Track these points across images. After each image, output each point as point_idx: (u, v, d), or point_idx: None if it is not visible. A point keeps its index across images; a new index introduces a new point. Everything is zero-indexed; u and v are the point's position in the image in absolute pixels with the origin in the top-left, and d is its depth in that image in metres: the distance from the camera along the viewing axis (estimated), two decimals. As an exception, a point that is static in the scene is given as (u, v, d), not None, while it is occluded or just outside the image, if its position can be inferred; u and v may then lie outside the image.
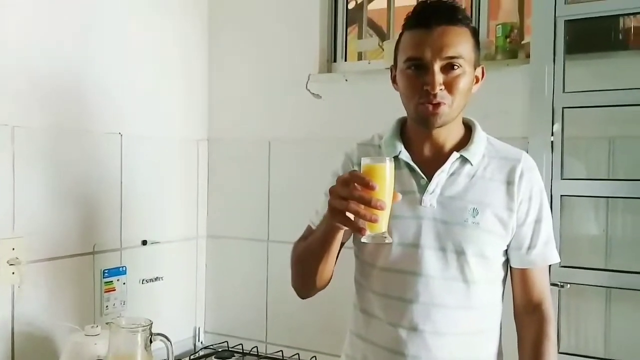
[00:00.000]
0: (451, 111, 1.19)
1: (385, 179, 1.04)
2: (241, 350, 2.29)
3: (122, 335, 1.49)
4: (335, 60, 2.35)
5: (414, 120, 1.24)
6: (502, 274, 1.28)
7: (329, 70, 2.33)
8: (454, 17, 1.18)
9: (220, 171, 2.46)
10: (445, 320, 1.22)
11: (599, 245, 1.82)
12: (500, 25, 1.98)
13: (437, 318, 1.21)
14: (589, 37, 1.82)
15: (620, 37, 1.83)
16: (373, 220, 1.01)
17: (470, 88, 1.21)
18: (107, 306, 2.01)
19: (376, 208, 1.00)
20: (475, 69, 1.22)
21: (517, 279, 1.29)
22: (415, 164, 1.24)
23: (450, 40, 1.16)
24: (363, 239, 1.05)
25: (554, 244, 1.29)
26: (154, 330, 1.54)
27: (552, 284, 1.73)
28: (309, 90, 2.29)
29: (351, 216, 1.03)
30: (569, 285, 1.74)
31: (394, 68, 1.27)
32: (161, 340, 1.53)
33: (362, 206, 1.01)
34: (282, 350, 2.25)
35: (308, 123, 2.29)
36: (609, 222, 1.81)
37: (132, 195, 2.11)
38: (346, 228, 1.08)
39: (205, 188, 2.47)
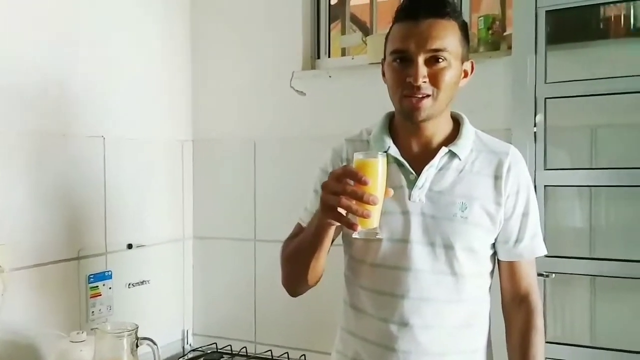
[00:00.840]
0: (435, 104, 1.18)
1: (377, 174, 1.03)
2: (230, 352, 2.28)
3: (108, 340, 1.47)
4: (318, 57, 2.34)
5: (400, 114, 1.24)
6: (490, 266, 1.29)
7: (313, 67, 2.32)
8: (442, 10, 1.17)
9: (206, 172, 2.44)
10: (434, 314, 1.22)
11: (583, 234, 1.83)
12: (482, 17, 1.98)
13: (427, 312, 1.21)
14: (569, 27, 1.83)
15: (601, 26, 1.84)
16: (365, 216, 1.01)
17: (457, 82, 1.20)
18: (93, 312, 1.99)
19: (368, 203, 1.00)
20: (462, 63, 1.21)
21: (504, 271, 1.30)
22: (404, 158, 1.24)
23: (436, 33, 1.15)
24: (355, 235, 1.05)
25: (541, 237, 1.30)
26: (140, 334, 1.52)
27: (538, 274, 1.73)
28: (293, 88, 2.28)
29: (343, 212, 1.02)
30: (554, 274, 1.75)
31: (383, 61, 1.26)
32: (148, 344, 1.50)
33: (354, 201, 1.00)
34: (271, 350, 2.24)
35: (293, 121, 2.28)
36: (592, 211, 1.82)
37: (116, 198, 2.09)
38: (338, 224, 1.07)
39: (190, 189, 2.45)
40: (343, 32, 2.47)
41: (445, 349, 1.23)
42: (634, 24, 1.78)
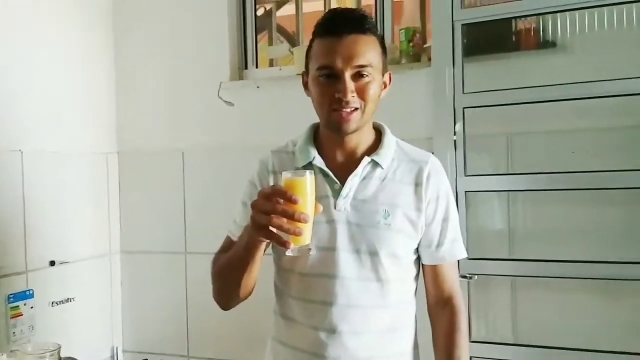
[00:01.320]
0: (363, 117, 1.22)
1: (306, 192, 1.05)
2: (162, 367, 2.24)
3: (29, 361, 1.42)
4: (246, 67, 2.35)
5: (327, 127, 1.26)
6: (414, 271, 1.33)
7: (241, 78, 2.33)
8: (363, 26, 1.21)
9: (133, 184, 2.39)
10: (362, 319, 1.24)
11: (503, 237, 1.92)
12: (403, 30, 2.05)
13: (354, 318, 1.24)
14: (485, 40, 1.92)
15: (513, 39, 1.94)
16: (297, 234, 1.02)
17: (379, 94, 1.25)
18: (14, 332, 1.90)
19: (299, 221, 1.02)
20: (383, 75, 1.26)
21: (428, 275, 1.34)
22: (329, 169, 1.27)
23: (360, 49, 1.19)
24: (288, 253, 1.06)
25: (461, 241, 1.35)
26: (67, 354, 1.49)
27: (461, 276, 1.81)
28: (221, 98, 2.27)
29: (275, 230, 1.03)
30: (476, 276, 1.82)
31: (305, 74, 1.28)
32: (72, 363, 1.46)
33: (285, 220, 1.02)
34: (204, 363, 2.22)
35: (221, 131, 2.27)
36: (510, 215, 1.91)
37: (36, 214, 2.01)
38: (270, 241, 1.08)
39: (117, 202, 2.39)
40: (270, 43, 2.49)
41: (373, 353, 1.26)
42: (543, 37, 1.89)
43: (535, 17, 1.86)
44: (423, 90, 1.93)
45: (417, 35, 2.04)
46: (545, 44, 1.89)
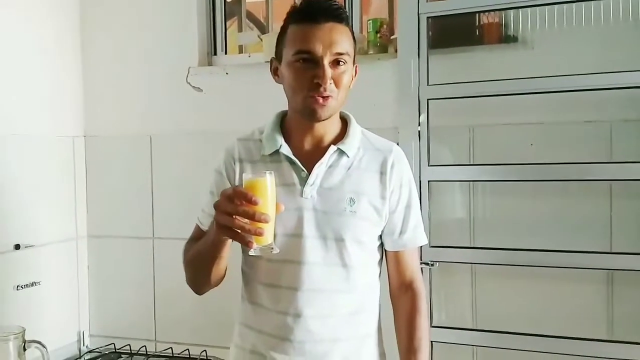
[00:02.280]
0: (336, 104, 1.24)
1: (267, 192, 1.08)
2: (129, 351, 2.25)
3: (-8, 345, 1.42)
4: (215, 54, 2.35)
5: (300, 113, 1.27)
6: (377, 257, 1.37)
7: (210, 64, 2.32)
8: (339, 15, 1.24)
9: (100, 168, 2.38)
10: (327, 304, 1.28)
11: (464, 225, 1.97)
12: (370, 21, 2.07)
13: (319, 303, 1.27)
14: (449, 33, 1.96)
15: (477, 32, 1.98)
16: (258, 234, 1.06)
17: (350, 84, 1.28)
18: (-23, 316, 1.90)
19: (260, 222, 1.06)
20: (353, 66, 1.29)
21: (391, 261, 1.38)
22: (296, 157, 1.29)
23: (338, 37, 1.22)
24: (251, 252, 1.10)
25: (422, 228, 1.40)
26: (30, 337, 1.48)
27: (423, 263, 1.86)
28: (189, 84, 2.27)
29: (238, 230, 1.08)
30: (437, 263, 1.87)
31: (275, 60, 1.30)
32: (36, 347, 1.47)
33: (247, 220, 1.06)
34: (171, 347, 2.23)
35: (189, 117, 2.27)
36: (472, 204, 1.96)
37: (1, 197, 2.00)
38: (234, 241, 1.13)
39: (83, 187, 2.38)
40: (240, 30, 2.49)
41: (337, 335, 1.30)
42: (505, 32, 1.94)
43: (499, 11, 1.91)
44: (389, 81, 1.96)
45: (385, 26, 2.06)
46: (508, 39, 1.93)
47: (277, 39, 1.28)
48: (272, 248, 1.11)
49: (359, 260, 1.30)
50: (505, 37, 1.93)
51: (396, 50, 1.95)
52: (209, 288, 1.34)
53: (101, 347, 2.33)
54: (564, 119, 1.85)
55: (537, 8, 1.84)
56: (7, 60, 2.05)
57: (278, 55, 1.28)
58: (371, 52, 2.06)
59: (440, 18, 1.85)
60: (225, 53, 2.36)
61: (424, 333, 1.36)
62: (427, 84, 1.85)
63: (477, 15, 1.93)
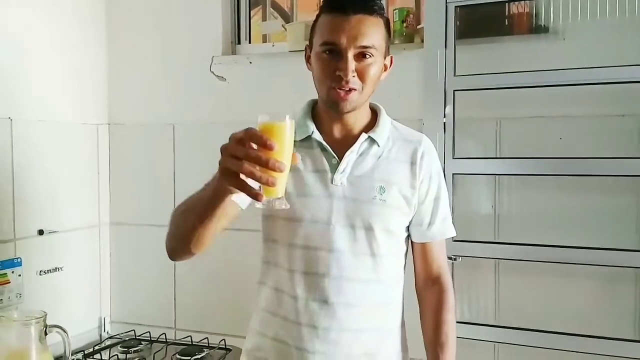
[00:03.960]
0: (361, 97, 1.23)
1: (284, 138, 0.95)
2: (149, 338, 2.26)
3: (15, 328, 1.43)
4: (239, 43, 2.34)
5: (325, 104, 1.27)
6: (404, 248, 1.36)
7: (233, 53, 2.31)
8: (371, 7, 1.22)
9: (123, 156, 2.39)
10: (354, 292, 1.27)
11: (489, 220, 1.93)
12: (397, 10, 2.04)
13: (347, 291, 1.26)
14: (478, 23, 1.91)
15: (506, 22, 1.94)
16: (270, 184, 0.92)
17: (379, 76, 1.26)
18: (1, 300, 1.92)
19: (274, 170, 0.91)
20: (385, 58, 1.27)
21: (418, 252, 1.38)
22: (327, 144, 1.28)
23: (365, 30, 1.20)
24: (258, 205, 0.97)
25: (451, 220, 1.40)
26: (53, 322, 1.49)
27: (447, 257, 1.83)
28: (213, 73, 2.26)
29: (245, 179, 0.94)
30: (461, 258, 1.84)
31: (308, 48, 1.29)
32: (57, 332, 1.48)
33: (258, 167, 0.92)
34: (190, 336, 2.23)
35: (213, 106, 2.26)
36: (497, 198, 1.93)
37: (26, 183, 2.02)
38: (238, 192, 0.99)
39: (107, 174, 2.39)
40: (264, 19, 2.47)
41: (363, 325, 1.28)
42: (536, 22, 1.89)
43: (528, 1, 1.86)
44: (415, 72, 1.93)
45: (411, 16, 2.03)
46: (538, 29, 1.88)
47: (312, 27, 1.28)
48: (282, 202, 0.97)
49: (387, 250, 1.29)
50: (535, 28, 1.88)
51: (422, 40, 1.92)
52: (185, 253, 1.21)
53: (121, 333, 2.34)
54: (595, 112, 1.80)
55: (570, -2, 1.79)
56: (34, 48, 2.06)
57: (310, 44, 1.28)
58: (397, 42, 2.03)
59: (469, 7, 1.81)
60: (249, 42, 2.35)
61: (451, 327, 1.36)
62: (454, 75, 1.82)
63: (506, 4, 1.89)
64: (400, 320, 1.37)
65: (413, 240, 1.36)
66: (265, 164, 0.91)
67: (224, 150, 0.96)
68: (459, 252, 1.84)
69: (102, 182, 2.37)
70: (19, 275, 1.98)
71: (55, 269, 2.14)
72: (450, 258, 1.83)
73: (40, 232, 2.07)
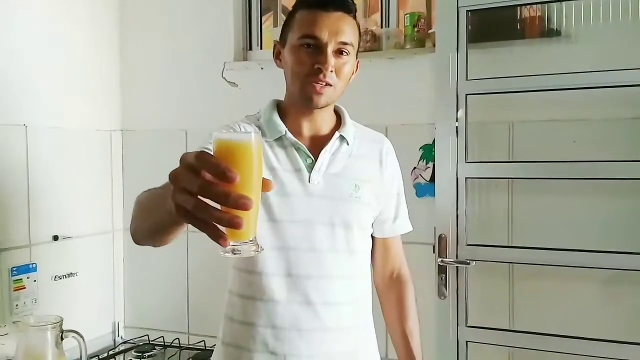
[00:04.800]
0: (334, 94, 1.23)
1: (251, 163, 0.70)
2: (162, 343, 2.27)
3: (31, 333, 1.44)
4: (250, 49, 2.35)
5: (298, 98, 1.24)
6: (371, 244, 1.38)
7: (245, 59, 2.33)
8: (349, 7, 1.23)
9: (136, 162, 2.41)
10: (333, 290, 1.25)
11: (502, 223, 1.93)
12: (408, 15, 2.04)
13: (327, 290, 1.25)
14: (489, 27, 1.91)
15: (518, 26, 1.93)
16: (235, 226, 0.67)
17: (350, 76, 1.27)
18: (17, 305, 1.93)
19: (238, 208, 0.66)
20: (356, 60, 1.28)
21: (381, 248, 1.40)
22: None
23: (345, 27, 1.20)
24: (221, 253, 0.72)
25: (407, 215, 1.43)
26: (68, 327, 1.50)
27: (460, 262, 1.83)
28: (225, 79, 2.28)
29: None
30: (474, 262, 1.83)
31: (278, 44, 1.28)
32: (73, 337, 1.48)
33: (219, 206, 0.68)
34: (204, 341, 2.24)
35: (225, 112, 2.26)
36: (510, 202, 1.92)
37: (40, 189, 2.03)
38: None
39: (120, 180, 2.41)
40: (275, 25, 2.48)
41: (342, 324, 1.27)
42: (547, 25, 1.88)
43: (540, 5, 1.85)
44: (426, 76, 1.93)
45: (422, 20, 2.03)
46: (550, 33, 1.88)
47: (284, 23, 1.27)
48: (253, 246, 0.73)
49: (361, 246, 1.31)
50: (547, 31, 1.88)
51: (434, 45, 1.92)
52: (148, 244, 1.10)
53: (135, 338, 2.36)
54: (609, 115, 1.79)
55: (581, 1, 1.79)
56: (48, 55, 2.09)
57: (282, 39, 1.27)
58: (408, 46, 2.03)
59: (480, 11, 1.81)
60: (261, 48, 2.36)
61: (416, 316, 1.41)
62: (466, 79, 1.81)
63: (518, 8, 1.88)
64: (370, 315, 1.36)
65: (375, 236, 1.38)
66: (226, 202, 0.66)
67: (173, 180, 0.69)
68: (472, 256, 1.84)
69: (115, 188, 2.39)
70: (34, 281, 2.00)
71: (69, 275, 2.16)
72: (463, 262, 1.83)
73: (55, 238, 2.09)
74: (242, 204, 0.66)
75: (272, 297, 1.23)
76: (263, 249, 0.77)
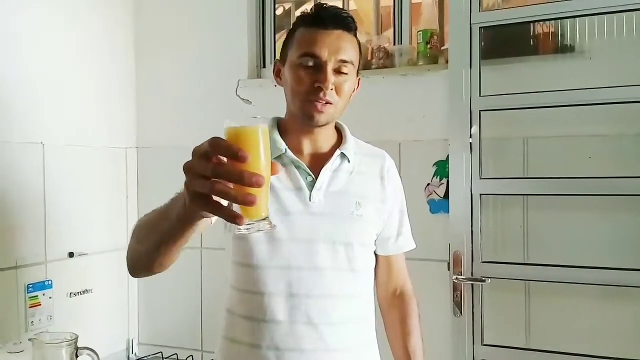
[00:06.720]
0: (335, 112, 1.23)
1: (258, 145, 0.78)
2: (176, 360, 2.27)
3: (47, 350, 1.46)
4: (264, 66, 2.37)
5: (298, 116, 1.24)
6: (374, 262, 1.36)
7: (259, 76, 2.35)
8: (349, 25, 1.24)
9: (151, 180, 2.43)
10: (336, 310, 1.24)
11: (517, 240, 1.91)
12: (420, 32, 2.05)
13: (330, 309, 1.23)
14: (502, 43, 1.92)
15: (531, 42, 1.93)
16: (249, 203, 0.73)
17: (351, 94, 1.27)
18: (32, 322, 1.95)
19: (251, 185, 0.73)
20: (356, 77, 1.28)
21: (384, 265, 1.39)
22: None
23: (345, 45, 1.21)
24: (238, 230, 0.79)
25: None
26: (83, 344, 1.51)
27: (475, 279, 1.81)
28: (239, 96, 2.29)
29: (220, 200, 0.77)
30: (489, 279, 1.82)
31: (278, 62, 1.29)
32: (88, 354, 1.50)
33: (232, 185, 0.75)
34: (217, 358, 2.23)
35: (238, 129, 2.29)
36: (526, 219, 1.90)
37: (56, 206, 2.06)
38: (213, 217, 0.84)
39: (135, 197, 2.43)
40: (289, 42, 2.50)
41: (346, 343, 1.25)
42: (561, 41, 1.88)
43: (553, 21, 1.85)
44: (440, 92, 1.93)
45: (435, 37, 2.04)
46: (564, 49, 1.88)
47: (284, 41, 1.28)
48: (268, 222, 0.80)
49: (364, 264, 1.30)
50: (561, 47, 1.88)
51: (447, 61, 1.92)
52: (146, 274, 1.12)
53: (149, 355, 2.36)
54: (625, 131, 1.78)
55: (595, 17, 1.78)
56: (64, 73, 2.12)
57: (282, 57, 1.27)
58: (421, 63, 2.04)
59: (493, 28, 1.82)
60: (274, 66, 2.37)
61: (419, 334, 1.38)
62: (480, 95, 1.81)
63: (531, 24, 1.88)
64: (374, 333, 1.35)
65: (378, 253, 1.36)
66: (240, 179, 0.73)
67: (187, 169, 0.77)
68: (487, 273, 1.82)
69: (130, 205, 2.41)
70: (50, 298, 2.01)
71: (84, 291, 2.17)
72: (478, 279, 1.81)
73: (71, 255, 2.11)
74: (255, 180, 0.73)
75: (273, 318, 1.21)
76: (276, 227, 0.89)
